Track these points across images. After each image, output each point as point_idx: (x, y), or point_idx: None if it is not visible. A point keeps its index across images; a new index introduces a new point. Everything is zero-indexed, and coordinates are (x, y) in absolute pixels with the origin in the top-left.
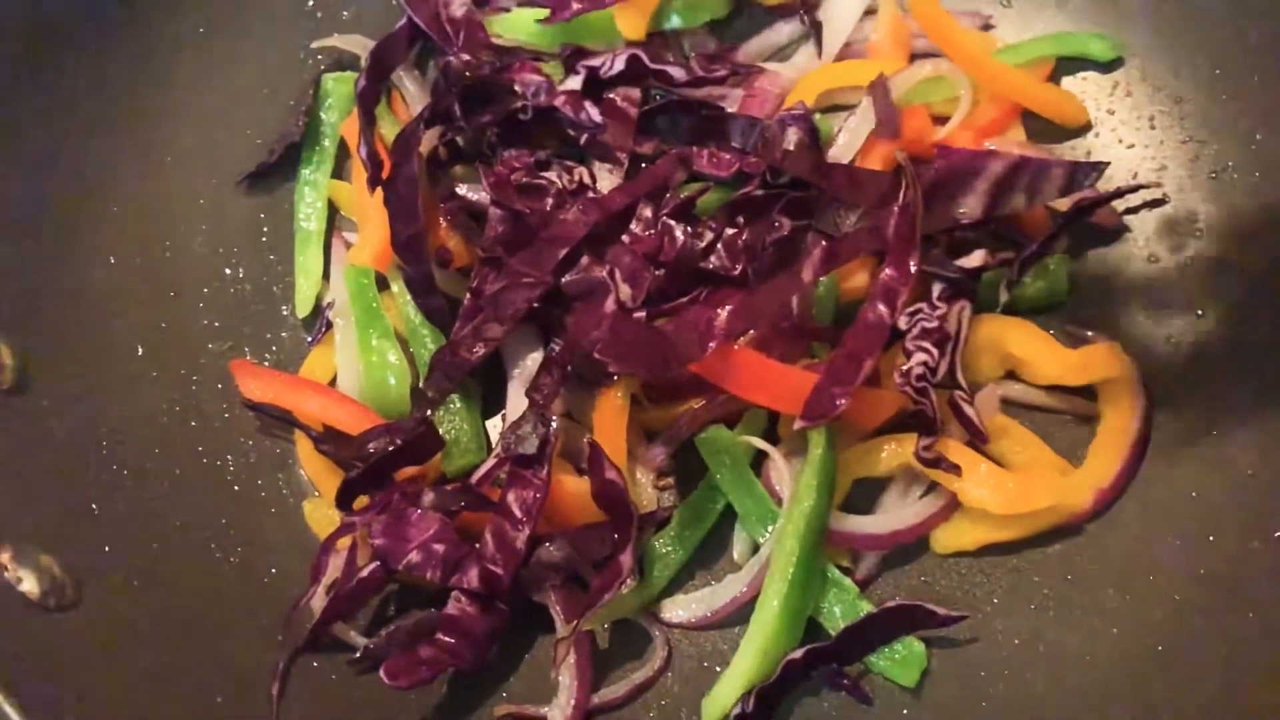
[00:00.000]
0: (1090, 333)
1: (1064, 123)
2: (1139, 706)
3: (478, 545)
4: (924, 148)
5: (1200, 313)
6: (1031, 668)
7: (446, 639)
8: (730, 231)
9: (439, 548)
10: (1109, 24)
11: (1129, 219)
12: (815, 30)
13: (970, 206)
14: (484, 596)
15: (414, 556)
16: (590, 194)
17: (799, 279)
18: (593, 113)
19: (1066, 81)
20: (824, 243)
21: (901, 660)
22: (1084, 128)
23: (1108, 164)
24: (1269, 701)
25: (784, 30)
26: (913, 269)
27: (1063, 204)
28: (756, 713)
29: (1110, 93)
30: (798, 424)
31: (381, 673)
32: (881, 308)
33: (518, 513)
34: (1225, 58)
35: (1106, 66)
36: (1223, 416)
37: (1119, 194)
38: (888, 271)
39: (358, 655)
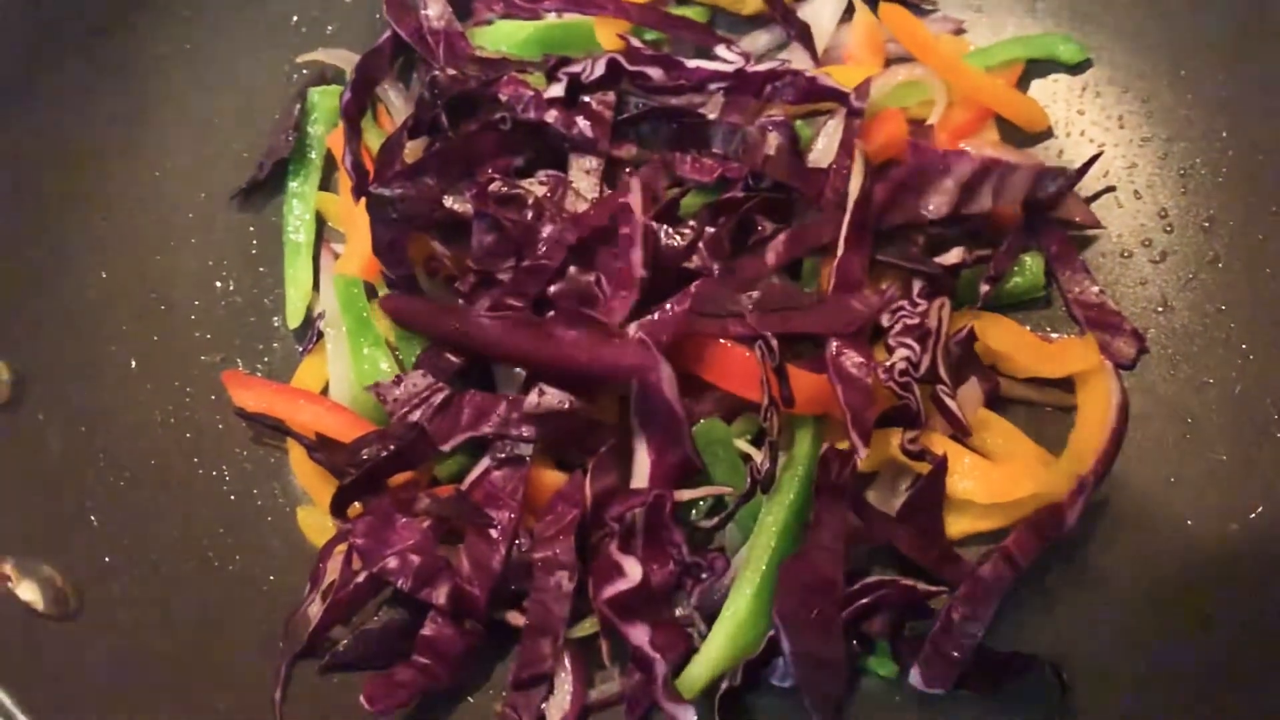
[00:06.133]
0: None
1: (1027, 127)
2: (1121, 690)
3: (452, 564)
4: (899, 150)
5: (1172, 305)
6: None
7: (423, 660)
8: (711, 231)
9: (415, 559)
10: (1076, 27)
11: (1103, 216)
12: (804, 35)
13: (937, 204)
14: (459, 616)
15: (390, 562)
16: (570, 197)
17: (763, 262)
18: (584, 127)
19: (1037, 84)
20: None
21: (881, 651)
22: (1046, 132)
23: (1073, 169)
24: (1253, 683)
25: (762, 38)
26: (867, 253)
27: None
28: (744, 686)
29: (1080, 94)
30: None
31: (362, 698)
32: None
33: (494, 534)
34: (1189, 57)
35: (1075, 69)
36: (1195, 405)
37: (1094, 197)
38: (843, 256)
39: (324, 660)
